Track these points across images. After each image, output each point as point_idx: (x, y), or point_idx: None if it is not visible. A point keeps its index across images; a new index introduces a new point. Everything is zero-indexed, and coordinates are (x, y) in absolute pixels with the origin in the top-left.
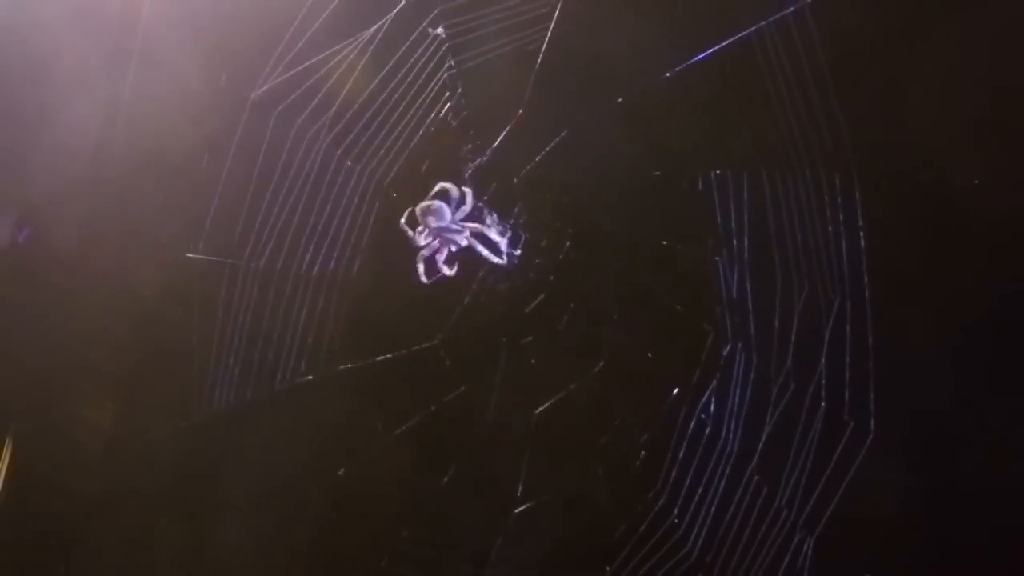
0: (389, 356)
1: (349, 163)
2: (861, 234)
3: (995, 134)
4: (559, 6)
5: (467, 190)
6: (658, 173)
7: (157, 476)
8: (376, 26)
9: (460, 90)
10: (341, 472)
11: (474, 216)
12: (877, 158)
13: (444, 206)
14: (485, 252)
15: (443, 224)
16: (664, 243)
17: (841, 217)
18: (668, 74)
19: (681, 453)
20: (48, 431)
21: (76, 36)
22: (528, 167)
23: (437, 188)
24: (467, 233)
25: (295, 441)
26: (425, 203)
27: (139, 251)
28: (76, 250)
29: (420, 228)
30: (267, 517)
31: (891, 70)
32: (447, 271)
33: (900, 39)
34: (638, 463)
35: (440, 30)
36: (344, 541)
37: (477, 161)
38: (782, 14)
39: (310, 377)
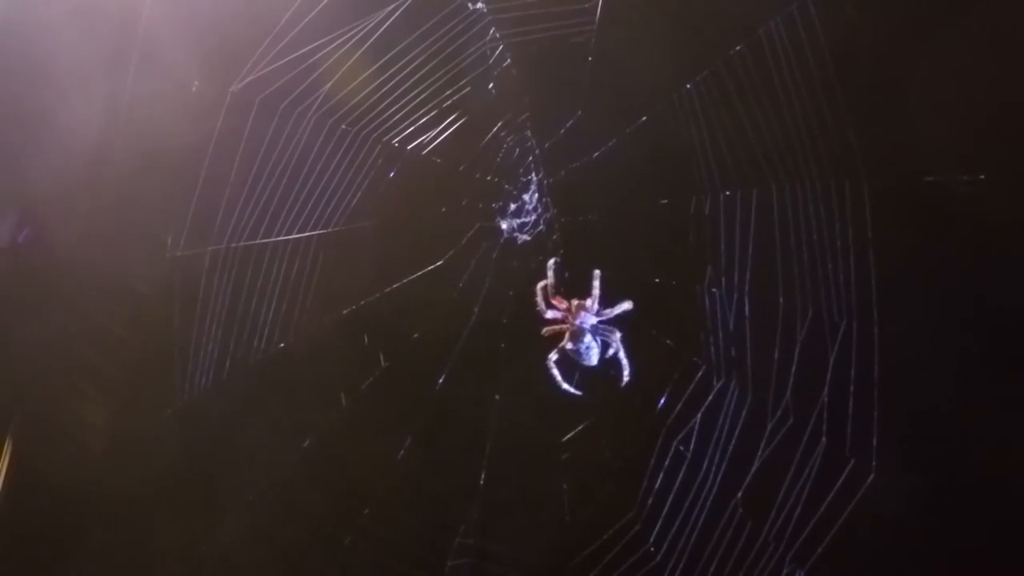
0: (360, 309)
1: (366, 130)
2: (870, 246)
3: (1002, 132)
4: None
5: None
6: (665, 201)
7: (152, 476)
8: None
9: (507, 62)
10: (306, 444)
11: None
12: (886, 161)
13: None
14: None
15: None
16: (657, 281)
17: (850, 228)
18: (688, 86)
19: (658, 482)
20: (48, 431)
21: (76, 36)
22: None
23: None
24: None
25: (277, 430)
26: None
27: (139, 251)
28: (76, 250)
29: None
30: (253, 514)
31: (898, 71)
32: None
33: (907, 39)
34: (610, 487)
35: (480, 4)
36: (309, 518)
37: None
38: (787, 11)
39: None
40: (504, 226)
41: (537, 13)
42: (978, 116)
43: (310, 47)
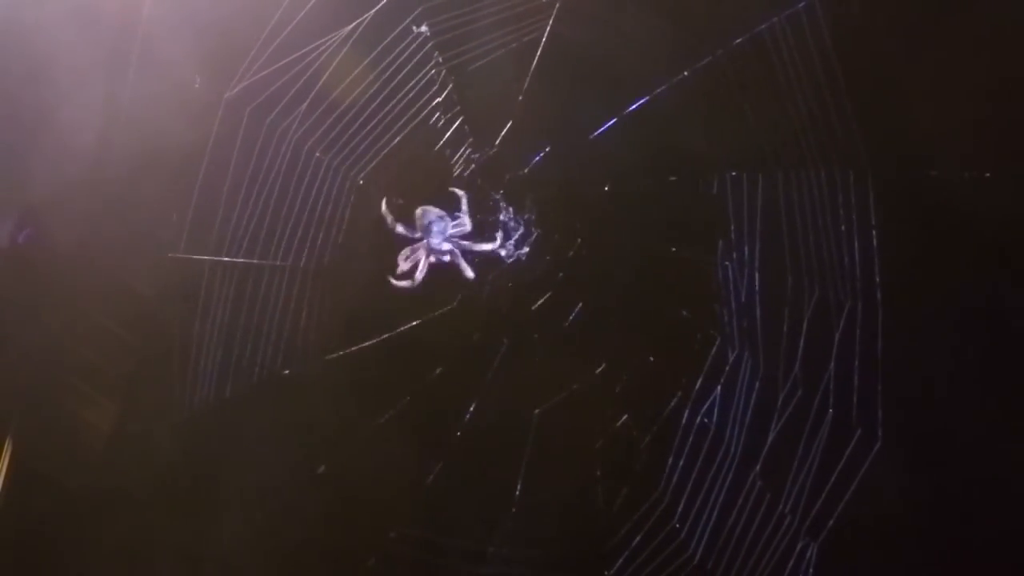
0: (374, 345)
1: (336, 160)
2: (873, 232)
3: (1004, 127)
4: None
5: (464, 211)
6: (674, 178)
7: (152, 476)
8: (356, 23)
9: (450, 86)
10: (321, 469)
11: (468, 236)
12: (890, 154)
13: (445, 218)
14: (464, 265)
15: (437, 239)
16: (674, 249)
17: (854, 215)
18: (686, 72)
19: (683, 459)
20: (48, 431)
21: (76, 36)
22: (531, 165)
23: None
24: (455, 249)
25: (280, 439)
26: (428, 209)
27: (139, 251)
28: (76, 250)
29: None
30: (254, 517)
31: (902, 65)
32: (418, 277)
33: (911, 33)
34: (638, 467)
35: (424, 28)
36: (331, 540)
37: (470, 154)
38: (794, 9)
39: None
40: (503, 253)
41: (488, 24)
42: (988, 114)
43: (291, 57)
